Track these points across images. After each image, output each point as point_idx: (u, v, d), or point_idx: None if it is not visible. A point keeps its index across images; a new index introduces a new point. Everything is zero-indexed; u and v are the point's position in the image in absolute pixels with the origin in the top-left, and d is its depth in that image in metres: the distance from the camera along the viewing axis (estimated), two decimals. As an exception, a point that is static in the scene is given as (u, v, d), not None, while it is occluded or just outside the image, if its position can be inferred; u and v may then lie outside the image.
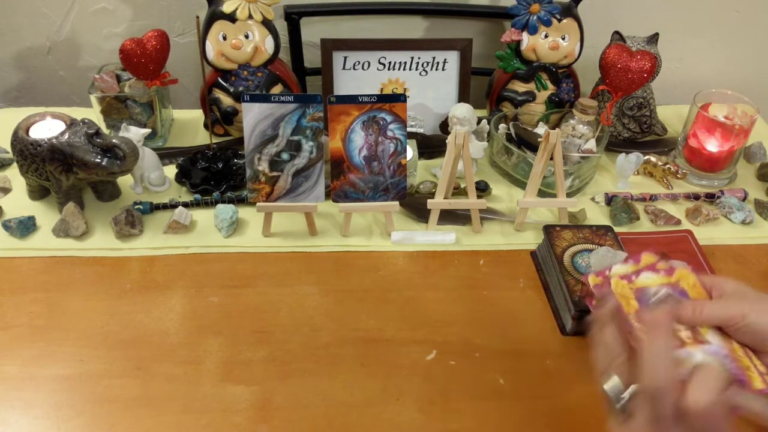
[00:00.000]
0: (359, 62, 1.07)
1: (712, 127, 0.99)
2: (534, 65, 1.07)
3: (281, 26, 1.08)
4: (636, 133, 1.11)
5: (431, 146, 1.06)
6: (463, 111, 0.98)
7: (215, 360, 0.73)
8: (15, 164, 0.92)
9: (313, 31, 1.13)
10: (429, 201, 0.89)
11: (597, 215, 0.96)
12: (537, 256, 0.88)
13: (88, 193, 0.94)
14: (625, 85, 1.02)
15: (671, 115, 1.18)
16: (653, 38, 1.07)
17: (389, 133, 0.86)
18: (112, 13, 1.13)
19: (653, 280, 0.67)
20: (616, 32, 1.08)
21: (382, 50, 1.07)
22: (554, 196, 0.92)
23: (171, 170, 0.99)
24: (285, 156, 0.85)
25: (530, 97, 1.09)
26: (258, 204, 0.87)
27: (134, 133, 0.91)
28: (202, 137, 1.09)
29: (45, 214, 0.91)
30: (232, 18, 0.98)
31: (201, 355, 0.73)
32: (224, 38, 0.99)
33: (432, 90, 1.10)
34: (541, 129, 1.04)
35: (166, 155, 1.02)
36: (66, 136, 0.84)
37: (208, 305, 0.79)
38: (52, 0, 1.11)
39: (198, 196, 0.94)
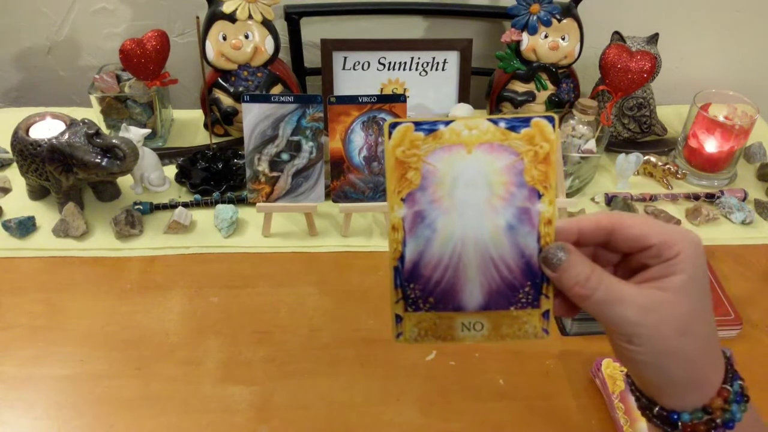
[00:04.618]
0: (359, 62, 1.07)
1: (712, 128, 0.98)
2: (534, 65, 1.07)
3: (281, 26, 1.08)
4: (636, 133, 1.11)
5: (431, 146, 1.05)
6: (463, 111, 0.98)
7: (215, 360, 0.73)
8: (15, 164, 0.92)
9: (313, 31, 1.13)
10: (429, 201, 0.89)
11: (597, 215, 0.96)
12: (537, 256, 0.88)
13: (88, 193, 0.94)
14: (625, 85, 1.02)
15: (671, 115, 1.18)
16: (653, 38, 1.07)
17: (389, 133, 0.86)
18: (112, 13, 1.12)
19: None
20: (616, 32, 1.08)
21: (382, 50, 1.07)
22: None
23: (171, 170, 0.99)
24: (285, 156, 0.85)
25: (530, 97, 1.09)
26: (258, 204, 0.87)
27: (134, 133, 0.91)
28: (202, 137, 1.09)
29: (45, 214, 0.91)
30: (232, 18, 0.98)
31: (201, 355, 0.73)
32: (224, 38, 0.99)
33: (432, 90, 1.10)
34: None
35: (166, 155, 1.02)
36: (66, 136, 0.84)
37: (208, 305, 0.79)
38: (52, 0, 1.11)
39: (198, 196, 0.94)
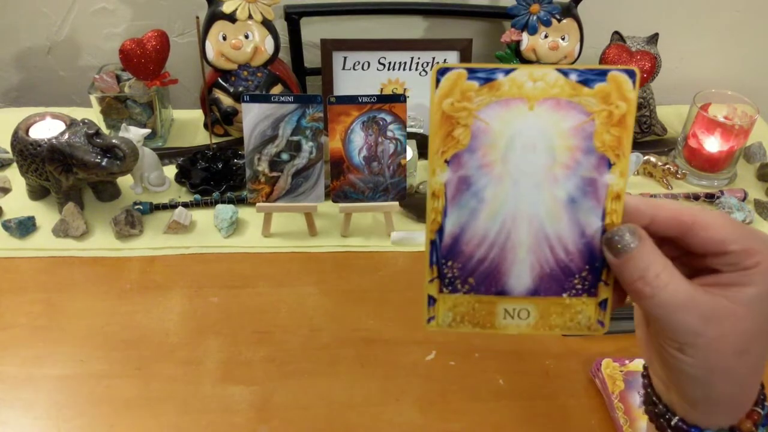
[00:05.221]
0: (359, 62, 1.07)
1: (711, 127, 0.99)
2: (534, 65, 1.07)
3: (281, 26, 1.08)
4: (636, 133, 1.11)
5: (431, 146, 1.05)
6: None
7: (215, 360, 0.73)
8: (15, 164, 0.92)
9: (313, 31, 1.13)
10: (429, 201, 0.89)
11: (597, 215, 0.96)
12: (537, 256, 0.88)
13: (88, 193, 0.94)
14: (625, 85, 1.02)
15: (671, 115, 1.18)
16: (653, 38, 1.07)
17: (389, 134, 0.86)
18: (112, 13, 1.13)
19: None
20: (616, 32, 1.08)
21: (382, 50, 1.07)
22: (554, 196, 0.92)
23: (171, 170, 0.99)
24: (285, 156, 0.85)
25: (530, 97, 1.09)
26: (258, 204, 0.87)
27: (134, 134, 0.91)
28: (202, 137, 1.09)
29: (45, 214, 0.91)
30: (232, 18, 0.98)
31: (201, 355, 0.73)
32: (224, 38, 0.99)
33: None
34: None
35: (166, 155, 1.02)
36: (66, 136, 0.84)
37: (208, 305, 0.79)
38: (52, 0, 1.11)
39: (198, 196, 0.94)
